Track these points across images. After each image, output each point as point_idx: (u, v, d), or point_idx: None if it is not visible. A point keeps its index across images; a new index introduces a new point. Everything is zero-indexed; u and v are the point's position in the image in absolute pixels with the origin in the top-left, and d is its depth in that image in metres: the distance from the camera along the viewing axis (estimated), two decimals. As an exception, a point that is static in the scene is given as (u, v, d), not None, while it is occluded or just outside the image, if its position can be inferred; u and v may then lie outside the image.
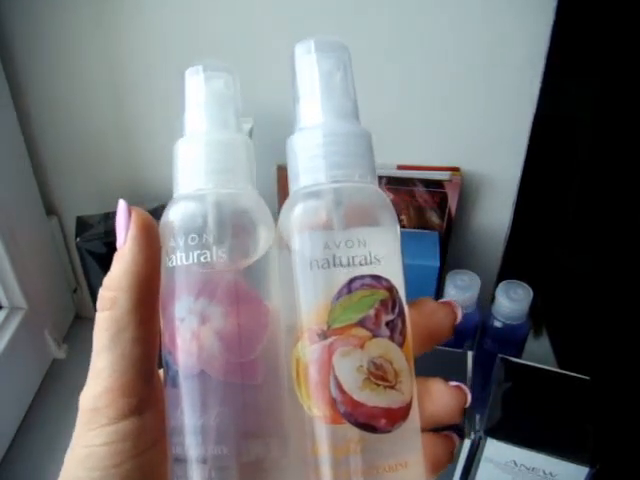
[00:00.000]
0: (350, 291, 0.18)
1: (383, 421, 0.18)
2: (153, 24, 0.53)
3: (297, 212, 0.19)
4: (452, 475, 0.47)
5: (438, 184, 0.57)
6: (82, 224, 0.57)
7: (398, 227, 0.20)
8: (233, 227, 0.19)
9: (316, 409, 0.18)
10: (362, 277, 0.18)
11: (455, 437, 0.22)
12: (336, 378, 0.18)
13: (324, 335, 0.18)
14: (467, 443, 0.44)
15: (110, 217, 0.58)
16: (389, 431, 0.18)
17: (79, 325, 0.71)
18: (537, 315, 0.64)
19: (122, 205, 0.19)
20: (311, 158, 0.19)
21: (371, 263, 0.18)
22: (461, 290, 0.54)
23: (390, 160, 0.58)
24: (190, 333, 0.18)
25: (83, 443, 0.19)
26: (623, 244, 0.59)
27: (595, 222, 0.65)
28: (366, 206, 0.19)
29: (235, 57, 0.51)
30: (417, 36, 0.52)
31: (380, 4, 0.50)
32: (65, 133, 0.60)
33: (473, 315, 0.56)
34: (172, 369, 0.19)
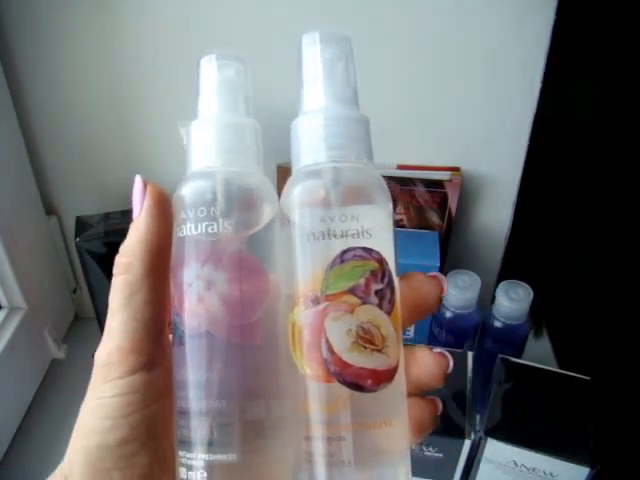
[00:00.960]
0: (343, 261, 0.20)
1: (369, 381, 0.19)
2: (154, 25, 0.53)
3: (297, 189, 0.20)
4: (452, 475, 0.47)
5: (438, 184, 0.57)
6: (82, 224, 0.57)
7: (391, 205, 0.21)
8: (239, 201, 0.21)
9: (309, 368, 0.20)
10: (354, 249, 0.20)
11: (438, 401, 0.23)
12: (327, 340, 0.19)
13: (318, 301, 0.20)
14: (467, 443, 0.44)
15: (110, 217, 0.58)
16: (375, 391, 0.20)
17: (79, 325, 0.71)
18: (537, 315, 0.64)
19: (138, 179, 0.21)
20: (312, 139, 0.20)
21: (363, 236, 0.20)
22: (461, 290, 0.54)
23: (390, 160, 0.58)
24: (196, 297, 0.20)
25: (96, 395, 0.20)
26: (623, 244, 0.59)
27: (595, 222, 0.65)
28: (361, 185, 0.21)
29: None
30: (417, 36, 0.52)
31: (380, 4, 0.50)
32: (65, 133, 0.60)
33: (473, 315, 0.56)
34: (179, 329, 0.20)
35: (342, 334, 0.19)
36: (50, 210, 0.66)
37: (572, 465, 0.41)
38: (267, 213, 0.21)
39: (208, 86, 0.22)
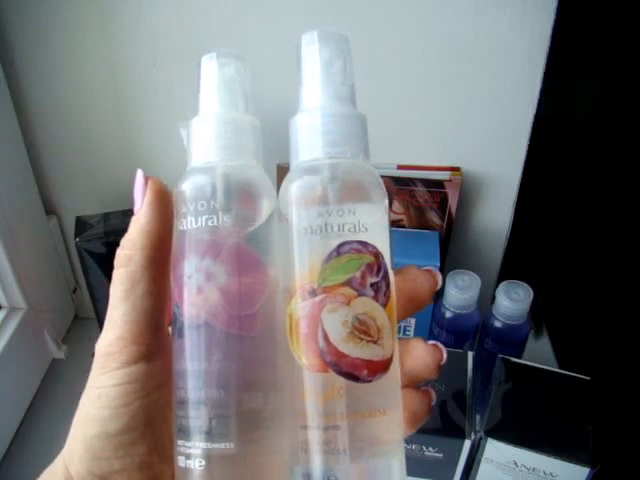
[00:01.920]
0: (339, 254, 0.20)
1: (364, 371, 0.20)
2: (154, 25, 0.53)
3: (295, 184, 0.21)
4: (452, 475, 0.47)
5: (438, 184, 0.57)
6: (81, 224, 0.57)
7: (387, 201, 0.22)
8: (238, 196, 0.21)
9: (305, 359, 0.20)
10: (350, 242, 0.20)
11: (432, 392, 0.23)
12: (324, 331, 0.20)
13: (314, 293, 0.20)
14: (467, 443, 0.44)
15: (110, 217, 0.58)
16: (370, 381, 0.20)
17: (78, 325, 0.71)
18: (537, 315, 0.64)
19: (140, 174, 0.21)
20: (310, 136, 0.21)
21: (359, 230, 0.20)
22: (461, 290, 0.54)
23: (390, 160, 0.57)
24: (196, 288, 0.20)
25: (96, 385, 0.21)
26: (623, 245, 0.59)
27: (595, 222, 0.65)
28: (357, 181, 0.21)
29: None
30: (417, 37, 0.52)
31: (380, 4, 0.50)
32: (65, 133, 0.60)
33: (473, 315, 0.56)
34: (179, 321, 0.21)
35: (338, 325, 0.20)
36: (50, 210, 0.66)
37: (572, 465, 0.41)
38: (266, 207, 0.22)
39: (208, 84, 0.22)
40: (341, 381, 0.20)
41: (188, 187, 0.21)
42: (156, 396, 0.21)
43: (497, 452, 0.43)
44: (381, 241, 0.21)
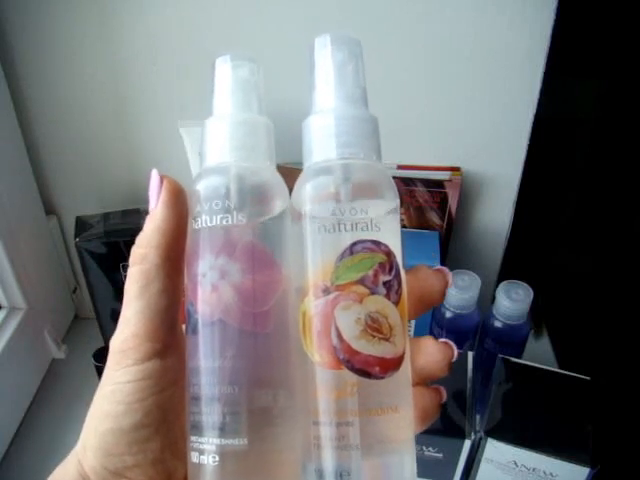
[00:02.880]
0: (352, 253, 0.20)
1: (377, 368, 0.20)
2: (154, 25, 0.53)
3: (309, 184, 0.21)
4: (452, 475, 0.47)
5: (438, 184, 0.57)
6: (81, 224, 0.57)
7: (398, 201, 0.22)
8: (252, 195, 0.22)
9: (318, 356, 0.20)
10: (363, 241, 0.20)
11: (443, 390, 0.24)
12: (337, 328, 0.20)
13: (328, 291, 0.20)
14: (467, 443, 0.44)
15: (110, 217, 0.58)
16: (382, 378, 0.20)
17: (78, 325, 0.71)
18: (537, 315, 0.64)
19: (155, 173, 0.22)
20: (323, 137, 0.21)
21: (371, 229, 0.21)
22: (461, 290, 0.54)
23: (390, 160, 0.57)
24: (210, 286, 0.21)
25: (111, 381, 0.21)
26: (623, 244, 0.59)
27: (595, 222, 0.65)
28: (369, 181, 0.22)
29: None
30: (417, 36, 0.52)
31: (380, 4, 0.50)
32: (65, 133, 0.60)
33: (473, 315, 0.56)
34: (193, 318, 0.21)
35: (351, 323, 0.20)
36: (50, 210, 0.66)
37: (572, 465, 0.41)
38: (279, 207, 0.22)
39: (223, 85, 0.23)
40: (353, 378, 0.20)
41: (203, 187, 0.22)
42: (170, 392, 0.21)
43: (497, 452, 0.43)
44: (393, 240, 0.21)
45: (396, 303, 0.21)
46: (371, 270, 0.20)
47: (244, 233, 0.21)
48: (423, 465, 0.47)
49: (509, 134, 0.55)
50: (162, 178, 0.22)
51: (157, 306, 0.21)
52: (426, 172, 0.57)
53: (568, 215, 0.69)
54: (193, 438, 0.21)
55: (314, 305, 0.20)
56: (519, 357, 0.56)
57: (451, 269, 0.61)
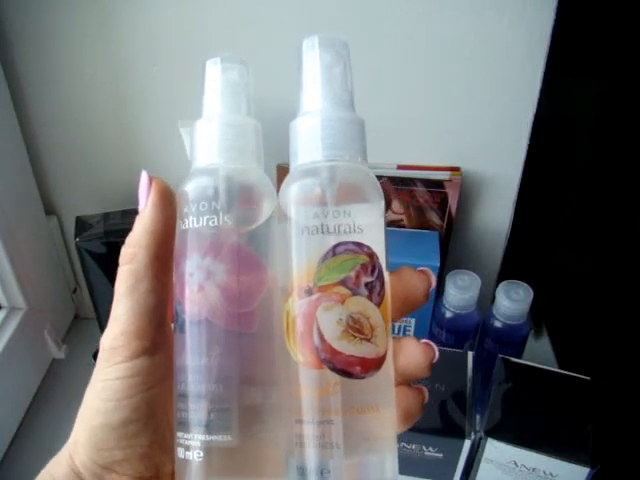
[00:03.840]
0: (335, 254, 0.21)
1: (358, 368, 0.20)
2: (154, 25, 0.53)
3: (294, 186, 0.21)
4: (452, 475, 0.48)
5: (438, 184, 0.57)
6: (81, 224, 0.57)
7: (383, 203, 0.22)
8: (239, 197, 0.22)
9: (301, 355, 0.21)
10: (346, 243, 0.21)
11: (425, 390, 0.24)
12: (319, 329, 0.20)
13: (310, 291, 0.21)
14: (467, 443, 0.44)
15: (110, 217, 0.58)
16: (363, 377, 0.21)
17: (78, 325, 0.71)
18: (537, 315, 0.64)
19: (144, 175, 0.22)
20: (309, 139, 0.21)
21: (354, 231, 0.21)
22: (461, 290, 0.54)
23: (390, 160, 0.57)
24: (197, 286, 0.21)
25: (101, 377, 0.21)
26: (623, 244, 0.59)
27: (595, 222, 0.65)
28: (354, 183, 0.22)
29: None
30: (417, 37, 0.52)
31: (380, 4, 0.50)
32: (65, 133, 0.60)
33: (473, 315, 0.56)
34: (180, 317, 0.22)
35: (333, 323, 0.20)
36: (50, 210, 0.66)
37: (572, 465, 0.41)
38: (266, 209, 0.22)
39: (212, 87, 0.23)
40: (335, 377, 0.20)
41: (191, 188, 0.22)
42: (158, 389, 0.22)
43: (497, 452, 0.43)
44: (376, 242, 0.21)
45: (378, 304, 0.21)
46: (353, 271, 0.21)
47: (230, 234, 0.21)
48: (423, 465, 0.47)
49: (509, 134, 0.55)
50: (151, 179, 0.22)
51: (146, 305, 0.21)
52: (426, 172, 0.57)
53: (568, 215, 0.69)
54: (179, 434, 0.21)
55: (297, 306, 0.21)
56: (519, 357, 0.56)
57: (451, 269, 0.61)
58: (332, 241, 0.21)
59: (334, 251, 0.21)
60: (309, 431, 0.20)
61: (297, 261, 0.21)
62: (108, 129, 0.60)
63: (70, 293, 0.71)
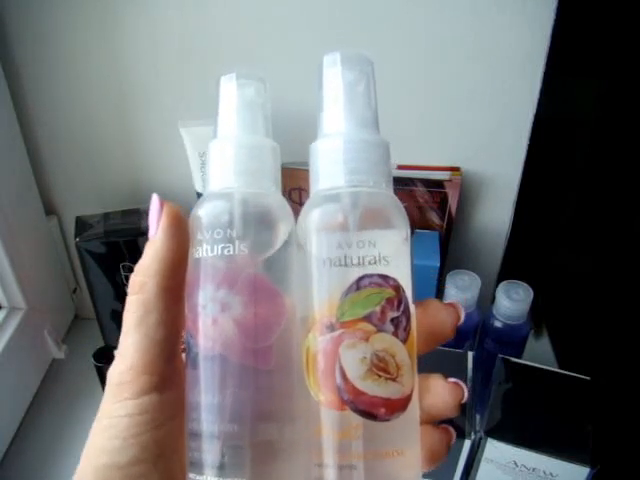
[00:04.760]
0: (359, 288, 0.19)
1: (382, 410, 0.19)
2: (156, 25, 0.53)
3: (315, 213, 0.20)
4: (452, 475, 0.47)
5: (438, 184, 0.57)
6: (81, 224, 0.57)
7: (409, 231, 0.21)
8: (255, 224, 0.21)
9: (322, 395, 0.20)
10: (370, 276, 0.20)
11: (452, 430, 0.23)
12: (341, 367, 0.19)
13: (333, 327, 0.19)
14: (467, 443, 0.44)
15: (110, 217, 0.58)
16: (388, 420, 0.19)
17: (78, 325, 0.71)
18: (537, 315, 0.64)
19: (155, 199, 0.21)
20: (331, 163, 0.20)
21: (380, 263, 0.20)
22: (461, 290, 0.54)
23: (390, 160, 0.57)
24: (211, 319, 0.20)
25: (107, 414, 0.20)
26: (623, 244, 0.59)
27: (595, 222, 0.65)
28: (378, 210, 0.21)
29: (240, 61, 0.51)
30: (417, 36, 0.52)
31: (380, 4, 0.50)
32: (65, 133, 0.60)
33: (473, 315, 0.56)
34: (193, 351, 0.20)
35: (356, 362, 0.19)
36: (50, 210, 0.66)
37: (572, 465, 0.41)
38: (282, 233, 0.21)
39: (227, 105, 0.22)
40: (358, 419, 0.19)
41: (204, 213, 0.21)
42: (168, 427, 0.20)
43: (497, 452, 0.43)
44: (402, 273, 0.20)
45: (404, 340, 0.20)
46: (378, 306, 0.20)
47: (246, 264, 0.20)
48: (423, 465, 0.47)
49: (509, 134, 0.55)
50: (162, 203, 0.21)
51: (155, 337, 0.20)
52: (426, 172, 0.57)
53: (568, 215, 0.69)
54: (192, 475, 0.20)
55: (318, 342, 0.20)
56: (519, 357, 0.56)
57: (451, 269, 0.61)
58: (356, 274, 0.19)
59: (358, 284, 0.19)
60: (330, 476, 0.19)
61: (318, 294, 0.20)
62: (108, 129, 0.60)
63: (70, 293, 0.71)
